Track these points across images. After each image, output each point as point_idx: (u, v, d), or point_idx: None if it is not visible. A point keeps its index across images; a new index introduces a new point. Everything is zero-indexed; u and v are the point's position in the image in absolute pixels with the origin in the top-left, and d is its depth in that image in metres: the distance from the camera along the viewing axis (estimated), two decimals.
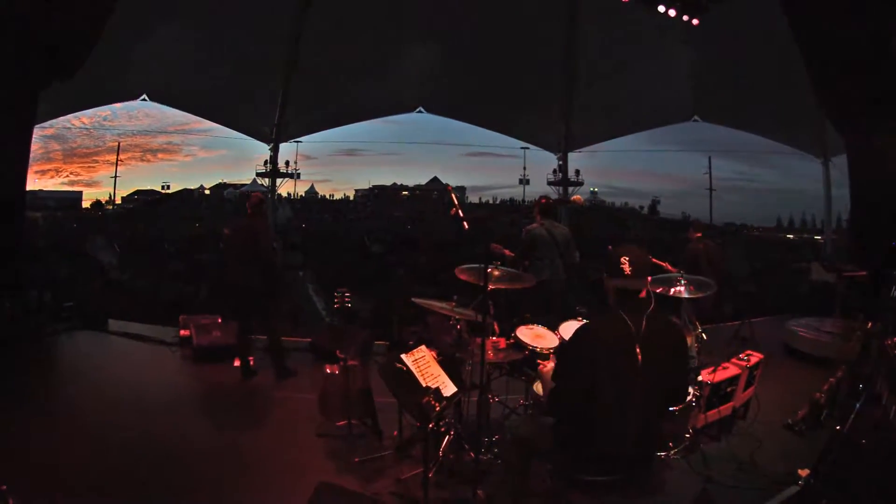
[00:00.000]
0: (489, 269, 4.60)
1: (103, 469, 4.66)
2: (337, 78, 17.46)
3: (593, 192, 58.66)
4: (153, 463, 4.81)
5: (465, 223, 5.04)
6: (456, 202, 5.34)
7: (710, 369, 5.18)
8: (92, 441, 5.19)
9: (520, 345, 4.85)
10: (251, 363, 7.25)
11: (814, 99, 9.74)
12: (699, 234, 8.62)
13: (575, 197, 20.89)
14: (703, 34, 12.25)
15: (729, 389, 5.35)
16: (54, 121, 19.06)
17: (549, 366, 4.17)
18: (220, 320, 8.27)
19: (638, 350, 2.95)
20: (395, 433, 5.11)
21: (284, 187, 21.97)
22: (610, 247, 3.22)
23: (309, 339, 8.35)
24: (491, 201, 72.29)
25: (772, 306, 12.59)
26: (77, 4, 8.24)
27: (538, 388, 4.56)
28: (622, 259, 3.07)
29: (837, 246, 19.49)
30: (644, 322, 3.00)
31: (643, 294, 3.12)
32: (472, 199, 71.90)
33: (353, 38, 16.01)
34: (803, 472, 4.21)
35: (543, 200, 7.38)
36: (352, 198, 71.44)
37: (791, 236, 57.33)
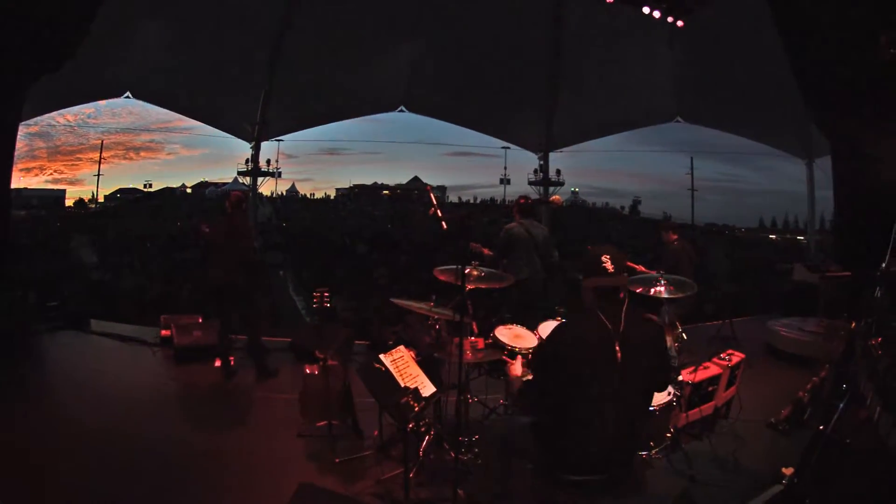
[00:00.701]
0: (467, 270, 4.58)
1: (83, 468, 4.60)
2: (319, 77, 17.42)
3: (574, 192, 58.94)
4: (132, 463, 4.75)
5: (443, 223, 5.03)
6: (435, 202, 5.33)
7: (691, 369, 5.18)
8: (72, 440, 5.12)
9: (498, 345, 4.81)
10: (231, 363, 7.23)
11: (798, 100, 9.74)
12: (676, 237, 8.59)
13: (554, 197, 21.00)
14: (686, 35, 12.26)
15: (710, 389, 5.37)
16: (39, 118, 18.90)
17: (516, 366, 4.07)
18: (200, 320, 8.23)
19: (617, 348, 2.94)
20: (376, 433, 5.07)
21: (265, 186, 21.90)
22: (589, 247, 3.22)
23: (289, 339, 8.31)
24: (471, 201, 72.21)
25: (754, 306, 12.68)
26: None
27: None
28: (603, 257, 3.09)
29: (823, 247, 19.63)
30: (622, 320, 3.00)
31: (621, 293, 3.12)
32: (453, 198, 71.84)
33: (335, 37, 15.97)
34: (787, 471, 4.20)
35: (522, 200, 7.39)
36: (333, 197, 71.26)
37: (774, 237, 57.81)
